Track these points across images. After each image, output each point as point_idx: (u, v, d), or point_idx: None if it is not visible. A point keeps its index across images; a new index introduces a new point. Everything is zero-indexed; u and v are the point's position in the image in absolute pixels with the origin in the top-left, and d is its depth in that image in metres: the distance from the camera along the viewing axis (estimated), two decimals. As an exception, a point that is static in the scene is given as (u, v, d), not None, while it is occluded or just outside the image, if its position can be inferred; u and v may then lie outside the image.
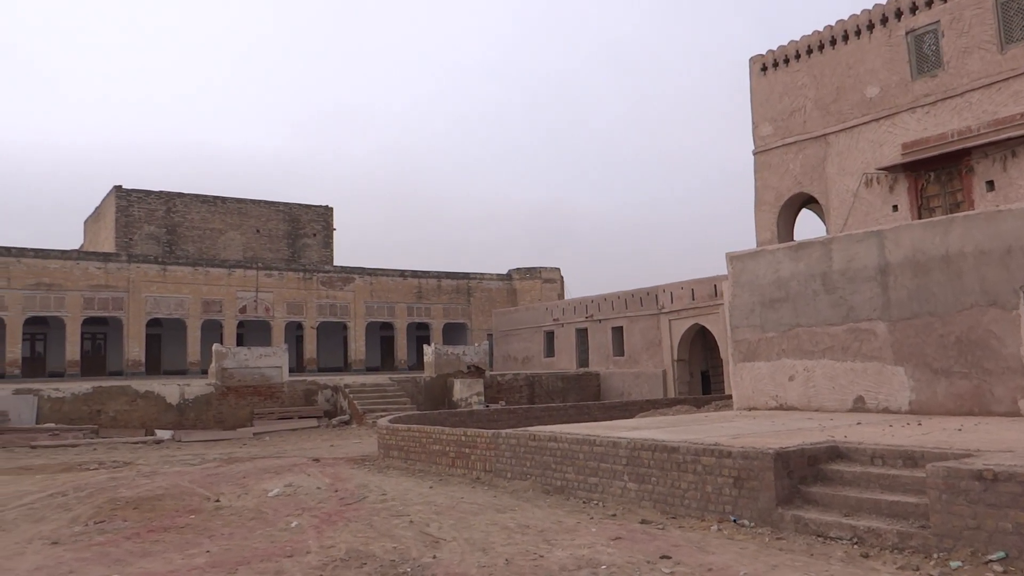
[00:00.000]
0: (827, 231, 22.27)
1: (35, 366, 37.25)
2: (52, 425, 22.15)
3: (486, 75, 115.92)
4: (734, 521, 8.57)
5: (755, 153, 24.07)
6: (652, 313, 31.35)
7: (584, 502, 10.34)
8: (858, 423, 11.83)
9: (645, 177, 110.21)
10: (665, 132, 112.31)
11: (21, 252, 35.39)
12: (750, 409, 15.90)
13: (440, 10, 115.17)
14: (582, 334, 35.69)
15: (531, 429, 12.57)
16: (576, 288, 49.10)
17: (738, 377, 16.35)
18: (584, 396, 31.91)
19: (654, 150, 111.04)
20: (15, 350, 34.88)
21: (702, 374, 31.04)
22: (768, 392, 15.62)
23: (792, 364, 15.20)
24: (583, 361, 35.37)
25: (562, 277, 49.44)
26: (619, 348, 33.19)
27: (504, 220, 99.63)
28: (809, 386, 14.85)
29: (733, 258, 16.60)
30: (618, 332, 33.31)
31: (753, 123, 24.11)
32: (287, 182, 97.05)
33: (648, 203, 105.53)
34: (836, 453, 9.00)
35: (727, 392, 24.96)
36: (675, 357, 30.18)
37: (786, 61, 23.40)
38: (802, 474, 8.66)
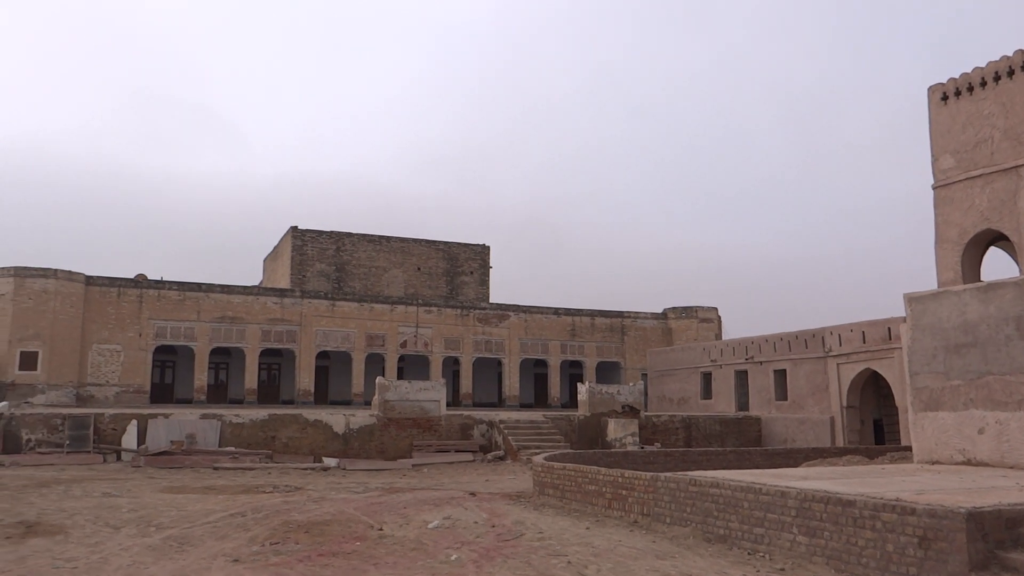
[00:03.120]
0: (1021, 271, 20.40)
1: (218, 393, 40.30)
2: (232, 449, 23.78)
3: (639, 115, 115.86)
4: (920, 585, 7.88)
5: (935, 187, 22.52)
6: (818, 356, 29.77)
7: (749, 553, 9.85)
8: (1064, 484, 10.63)
9: (806, 216, 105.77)
10: (828, 169, 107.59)
11: (210, 287, 38.63)
12: (932, 463, 14.66)
13: (588, 48, 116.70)
14: (741, 376, 34.41)
15: (691, 474, 12.17)
16: (734, 329, 47.57)
17: (918, 427, 15.15)
18: (743, 441, 30.64)
19: (816, 188, 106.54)
20: (202, 377, 37.93)
21: (874, 422, 29.03)
22: (953, 445, 14.36)
23: (982, 415, 13.91)
24: (742, 404, 34.04)
25: (719, 317, 48.06)
26: (781, 392, 31.70)
27: (658, 260, 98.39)
28: (1003, 440, 13.52)
29: (912, 299, 15.50)
30: (780, 375, 31.85)
31: (932, 155, 22.60)
32: (444, 221, 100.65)
33: (809, 242, 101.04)
34: (1040, 517, 8.11)
35: (903, 443, 23.19)
36: (844, 403, 28.44)
37: (970, 89, 21.85)
38: (999, 537, 7.85)
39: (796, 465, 18.86)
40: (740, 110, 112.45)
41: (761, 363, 32.93)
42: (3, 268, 34.47)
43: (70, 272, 35.37)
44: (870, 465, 17.07)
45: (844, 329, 28.68)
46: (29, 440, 22.70)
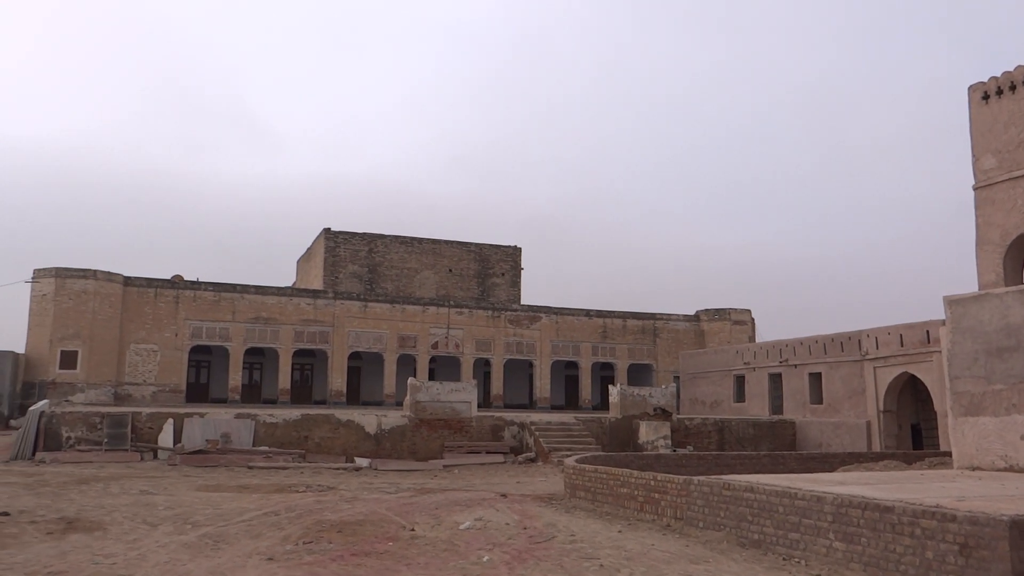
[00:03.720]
0: (1064, 273, 19.93)
1: (252, 393, 40.76)
2: (266, 448, 24.03)
3: (674, 117, 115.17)
4: (961, 594, 7.72)
5: (976, 188, 22.08)
6: (854, 359, 29.31)
7: (784, 559, 9.72)
8: (1111, 492, 10.35)
9: (838, 218, 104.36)
10: (864, 169, 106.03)
11: (244, 288, 39.10)
12: (973, 469, 14.37)
13: (623, 51, 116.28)
14: (775, 379, 34.00)
15: (725, 477, 12.05)
16: (767, 332, 47.03)
17: (958, 433, 14.86)
18: (777, 445, 30.26)
19: (852, 189, 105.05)
20: (236, 377, 38.41)
21: (912, 427, 28.52)
22: (995, 451, 14.06)
23: (1025, 421, 13.60)
24: (776, 408, 33.64)
25: (753, 319, 47.57)
26: (817, 395, 31.28)
27: (691, 262, 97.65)
28: (1046, 446, 13.21)
29: (952, 302, 15.20)
30: (816, 378, 31.42)
31: (973, 155, 22.16)
32: (475, 222, 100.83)
33: (845, 244, 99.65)
34: (1087, 525, 7.89)
35: (943, 448, 22.76)
36: (881, 407, 27.96)
37: (1012, 88, 21.38)
38: (1044, 546, 7.66)
39: (832, 470, 18.61)
40: (774, 108, 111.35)
41: (796, 366, 32.52)
42: (44, 269, 35.20)
43: (109, 273, 36.01)
44: (908, 471, 16.79)
45: (881, 332, 28.21)
46: (69, 438, 23.14)
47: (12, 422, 30.46)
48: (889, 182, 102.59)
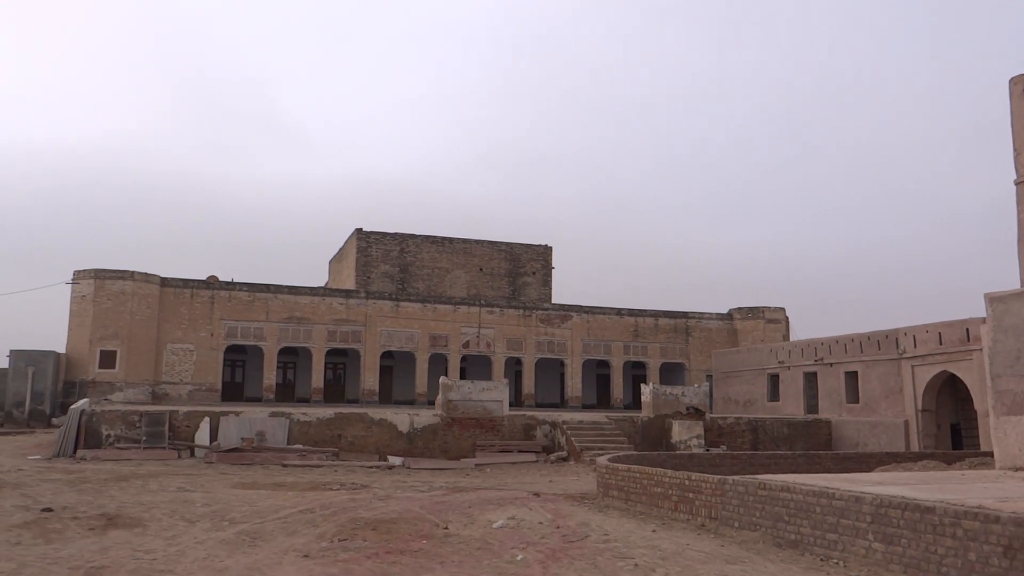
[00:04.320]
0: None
1: (285, 392, 41.19)
2: (300, 446, 24.27)
3: (692, 112, 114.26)
4: (1006, 597, 7.56)
5: (1017, 183, 21.62)
6: (891, 358, 28.86)
7: (822, 559, 9.60)
8: None
9: (875, 215, 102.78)
10: (898, 165, 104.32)
11: (278, 289, 39.51)
12: (1016, 469, 14.07)
13: (650, 45, 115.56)
14: (810, 378, 33.59)
15: (760, 477, 11.93)
16: (801, 330, 46.46)
17: (1000, 432, 14.56)
18: (812, 444, 29.88)
19: (885, 185, 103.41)
20: (270, 376, 38.84)
21: (951, 427, 28.00)
22: (1039, 451, 13.75)
23: (1070, 420, 13.29)
24: (811, 407, 33.23)
25: (787, 318, 47.01)
26: (853, 395, 30.84)
27: (724, 260, 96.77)
28: (1093, 447, 12.89)
29: (994, 300, 14.90)
30: (852, 377, 30.98)
31: (1015, 149, 21.70)
32: (505, 222, 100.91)
33: (880, 242, 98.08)
34: None
35: (983, 448, 22.32)
36: (919, 407, 27.50)
37: (1054, 79, 20.90)
38: (1093, 549, 7.48)
39: (869, 470, 18.36)
40: (807, 102, 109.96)
41: (831, 365, 32.09)
42: (84, 270, 35.87)
43: (146, 274, 36.59)
44: (948, 471, 16.49)
45: (919, 330, 27.74)
46: (108, 435, 23.57)
47: (54, 420, 31.12)
48: (928, 177, 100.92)
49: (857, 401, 30.47)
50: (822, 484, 10.71)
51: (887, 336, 29.23)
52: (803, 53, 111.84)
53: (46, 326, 75.09)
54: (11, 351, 33.37)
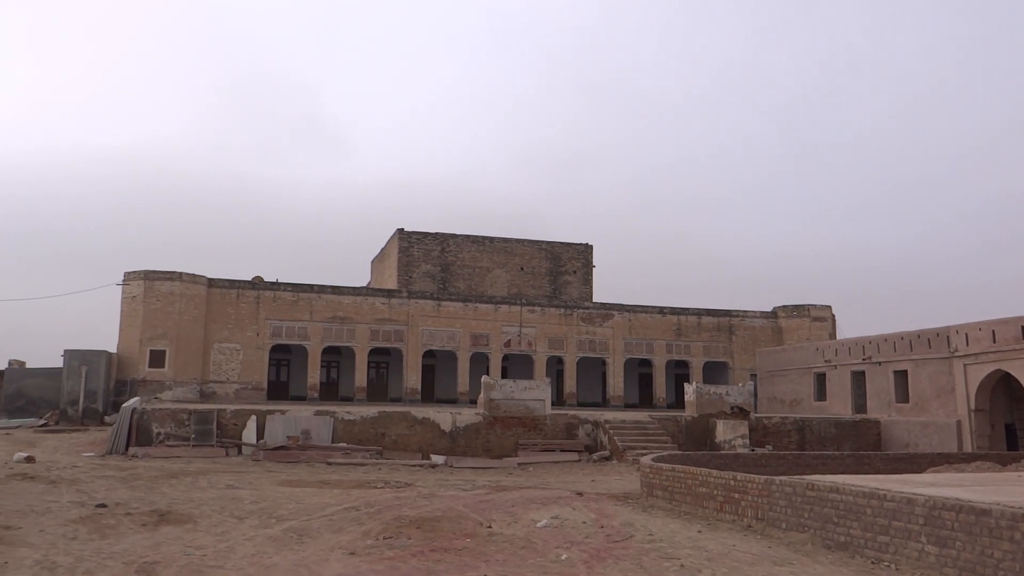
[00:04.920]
0: None
1: (329, 391, 41.65)
2: (344, 445, 24.53)
3: (749, 112, 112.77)
4: (1067, 603, 7.33)
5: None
6: (942, 356, 28.17)
7: (873, 562, 9.42)
8: None
9: (924, 211, 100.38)
10: (948, 164, 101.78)
11: (321, 289, 40.00)
12: (1076, 471, 13.63)
13: (689, 43, 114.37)
14: (858, 377, 32.95)
15: (808, 478, 11.74)
16: (848, 328, 45.60)
17: (1059, 433, 14.11)
18: (861, 445, 29.30)
19: (935, 184, 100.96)
20: (315, 375, 39.34)
21: (1006, 427, 27.25)
22: (1100, 452, 13.30)
23: None
24: (859, 407, 32.59)
25: (833, 316, 46.18)
26: (902, 394, 30.17)
27: (769, 258, 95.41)
28: None
29: (1050, 295, 14.46)
30: (901, 376, 30.32)
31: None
32: (546, 220, 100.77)
33: (929, 239, 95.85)
34: None
35: (1040, 449, 21.69)
36: (972, 406, 26.80)
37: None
38: None
39: (920, 471, 17.97)
40: (854, 105, 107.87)
41: (880, 363, 31.45)
42: (134, 272, 36.71)
43: (194, 275, 37.31)
44: (1003, 472, 16.08)
45: (972, 328, 27.04)
46: (159, 433, 24.09)
47: (106, 418, 31.94)
48: (973, 175, 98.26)
49: (907, 400, 29.81)
50: (872, 485, 10.50)
51: (938, 334, 28.55)
52: (838, 43, 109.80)
53: (98, 326, 77.11)
54: (65, 351, 34.28)
